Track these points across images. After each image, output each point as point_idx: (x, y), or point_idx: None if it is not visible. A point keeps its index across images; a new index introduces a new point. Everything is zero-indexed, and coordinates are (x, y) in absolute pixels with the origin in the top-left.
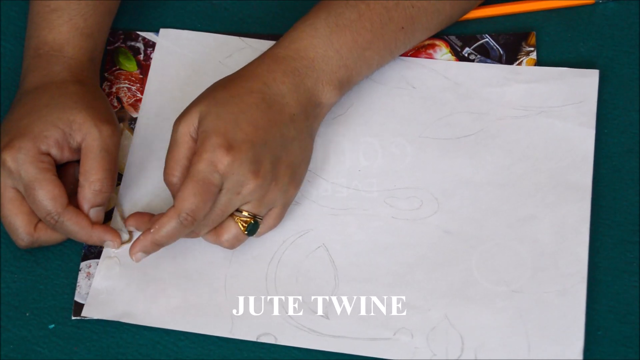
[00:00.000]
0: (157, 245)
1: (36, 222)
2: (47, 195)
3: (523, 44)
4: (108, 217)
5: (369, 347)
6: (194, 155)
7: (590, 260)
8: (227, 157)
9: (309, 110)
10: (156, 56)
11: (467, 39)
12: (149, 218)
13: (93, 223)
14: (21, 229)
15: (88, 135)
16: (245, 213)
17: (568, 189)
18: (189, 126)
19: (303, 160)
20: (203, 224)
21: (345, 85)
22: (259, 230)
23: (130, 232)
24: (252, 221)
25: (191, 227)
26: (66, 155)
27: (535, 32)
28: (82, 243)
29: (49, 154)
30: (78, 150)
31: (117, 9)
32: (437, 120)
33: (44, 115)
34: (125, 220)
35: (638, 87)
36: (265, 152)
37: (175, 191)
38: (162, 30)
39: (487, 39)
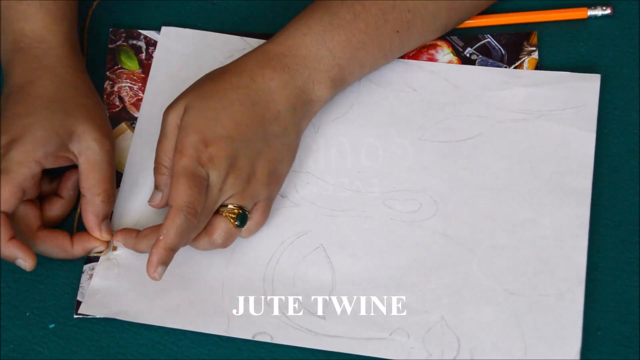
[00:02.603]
0: (172, 250)
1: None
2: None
3: (525, 43)
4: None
5: (365, 347)
6: (175, 150)
7: (590, 260)
8: (207, 152)
9: (298, 108)
10: (157, 54)
11: (469, 39)
12: (136, 234)
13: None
14: None
15: (89, 150)
16: (230, 206)
17: (567, 193)
18: (176, 118)
19: (286, 156)
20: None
21: (338, 84)
22: (249, 226)
23: (107, 243)
24: (240, 211)
25: (195, 222)
26: (58, 163)
27: (536, 32)
28: None
29: (40, 163)
30: (68, 158)
31: None
32: (436, 123)
33: (45, 118)
34: (112, 235)
35: (638, 87)
36: (244, 147)
37: (160, 182)
38: (163, 29)
39: (488, 39)
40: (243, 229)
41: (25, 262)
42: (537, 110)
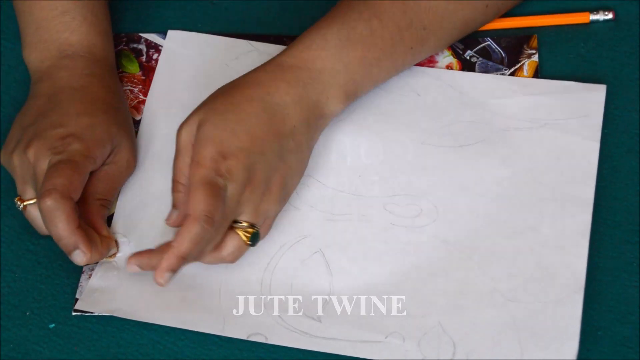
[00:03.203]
0: (184, 259)
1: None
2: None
3: (525, 46)
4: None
5: (359, 349)
6: (192, 162)
7: (590, 260)
8: (225, 164)
9: (311, 122)
10: (162, 57)
11: (469, 42)
12: (148, 254)
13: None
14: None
15: (117, 165)
16: (244, 224)
17: (569, 201)
18: (190, 134)
19: (297, 172)
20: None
21: (351, 98)
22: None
23: (117, 245)
24: (255, 231)
25: (212, 231)
26: (94, 167)
27: (536, 35)
28: None
29: (96, 162)
30: (98, 165)
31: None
32: (439, 128)
33: (104, 122)
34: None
35: (638, 87)
36: (261, 161)
37: (177, 200)
38: (170, 32)
39: (488, 42)
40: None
41: (85, 254)
42: (541, 119)
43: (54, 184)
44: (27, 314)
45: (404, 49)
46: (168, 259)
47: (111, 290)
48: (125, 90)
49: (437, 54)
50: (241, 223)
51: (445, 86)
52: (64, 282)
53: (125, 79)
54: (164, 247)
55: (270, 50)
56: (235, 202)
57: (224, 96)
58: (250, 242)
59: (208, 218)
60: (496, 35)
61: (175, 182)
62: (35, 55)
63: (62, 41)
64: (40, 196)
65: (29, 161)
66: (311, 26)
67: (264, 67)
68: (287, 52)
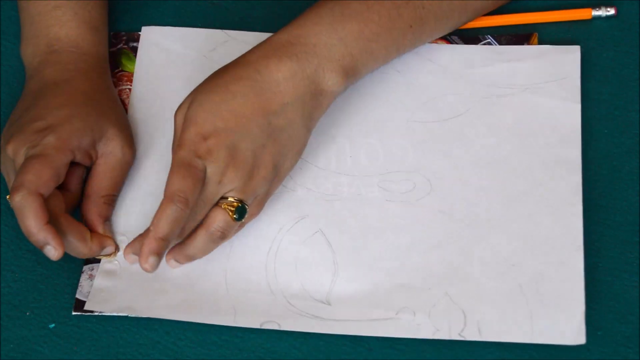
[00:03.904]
0: (162, 240)
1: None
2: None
3: (525, 44)
4: None
5: (372, 328)
6: (175, 145)
7: (590, 260)
8: (204, 145)
9: (307, 99)
10: (140, 54)
11: (470, 39)
12: (139, 239)
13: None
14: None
15: (111, 155)
16: (230, 199)
17: (557, 163)
18: (182, 117)
19: (292, 150)
20: (191, 216)
21: (351, 74)
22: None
23: (115, 245)
24: (239, 205)
25: (187, 211)
26: (83, 160)
27: (537, 33)
28: None
29: (73, 153)
30: (90, 157)
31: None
32: (423, 104)
33: (84, 113)
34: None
35: (638, 87)
36: (246, 140)
37: None
38: (144, 28)
39: (489, 39)
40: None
41: (56, 250)
42: (521, 85)
43: (22, 180)
44: (27, 314)
45: (403, 26)
46: (148, 244)
47: (117, 289)
48: (126, 89)
49: (438, 36)
50: (227, 199)
51: (424, 60)
52: (64, 282)
53: (125, 78)
54: (147, 231)
55: (247, 38)
56: (216, 182)
57: (215, 77)
58: (235, 217)
59: (182, 198)
60: (497, 32)
61: None
62: (29, 50)
63: (51, 36)
64: (10, 193)
65: (10, 157)
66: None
67: (257, 46)
68: (281, 30)
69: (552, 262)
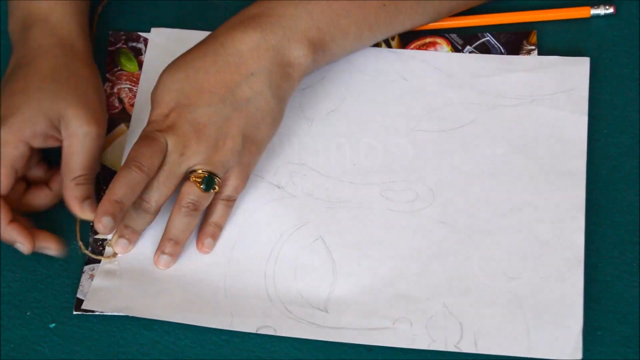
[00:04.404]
0: (117, 203)
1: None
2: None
3: (524, 42)
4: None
5: (368, 337)
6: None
7: (590, 260)
8: (167, 120)
9: (274, 70)
10: (148, 55)
11: (468, 37)
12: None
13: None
14: None
15: (74, 136)
16: (199, 171)
17: (562, 176)
18: (150, 96)
19: (264, 121)
20: (155, 186)
21: (318, 47)
22: (227, 192)
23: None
24: (206, 175)
25: (141, 175)
26: (48, 143)
27: (536, 31)
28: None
29: (28, 143)
30: (57, 139)
31: None
32: (429, 112)
33: (35, 99)
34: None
35: (638, 87)
36: (208, 113)
37: None
38: (153, 30)
39: (488, 37)
40: (216, 193)
41: (24, 245)
42: (529, 95)
43: None
44: (28, 314)
45: (375, 3)
46: (102, 205)
47: (116, 289)
48: (124, 88)
49: (421, 24)
50: (196, 171)
51: (431, 69)
52: (64, 282)
53: (125, 78)
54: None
55: None
56: (177, 154)
57: (183, 56)
58: (203, 187)
59: (137, 163)
60: (495, 30)
61: None
62: (9, 28)
63: (26, 10)
64: None
65: None
66: None
67: (227, 21)
68: (251, 5)
69: (551, 276)
